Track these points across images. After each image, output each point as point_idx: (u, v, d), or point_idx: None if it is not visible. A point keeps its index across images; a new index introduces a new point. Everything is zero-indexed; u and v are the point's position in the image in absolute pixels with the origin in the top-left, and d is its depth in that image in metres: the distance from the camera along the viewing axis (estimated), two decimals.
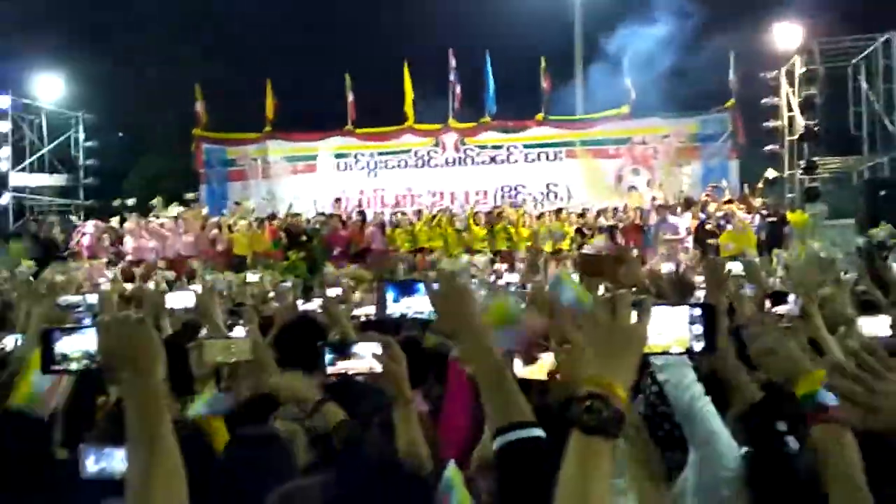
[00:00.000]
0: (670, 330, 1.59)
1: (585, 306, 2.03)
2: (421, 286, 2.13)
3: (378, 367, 2.49)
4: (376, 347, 2.51)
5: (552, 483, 1.27)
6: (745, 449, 2.31)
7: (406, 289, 2.25)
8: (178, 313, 4.74)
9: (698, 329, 1.59)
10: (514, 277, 8.46)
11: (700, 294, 3.67)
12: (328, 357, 2.66)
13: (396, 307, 2.26)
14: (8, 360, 3.25)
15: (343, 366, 2.64)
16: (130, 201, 15.34)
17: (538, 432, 1.64)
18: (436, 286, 1.86)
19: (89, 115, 19.04)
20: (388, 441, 2.21)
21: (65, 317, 3.59)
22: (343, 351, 2.67)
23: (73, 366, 2.14)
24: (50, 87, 18.98)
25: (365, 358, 2.60)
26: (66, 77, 19.18)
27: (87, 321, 4.01)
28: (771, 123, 15.97)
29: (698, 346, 1.60)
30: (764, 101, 16.04)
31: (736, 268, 4.60)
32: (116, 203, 15.51)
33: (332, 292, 5.83)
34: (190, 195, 15.52)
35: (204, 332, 3.65)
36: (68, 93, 19.22)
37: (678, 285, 3.14)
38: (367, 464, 1.65)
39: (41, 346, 2.08)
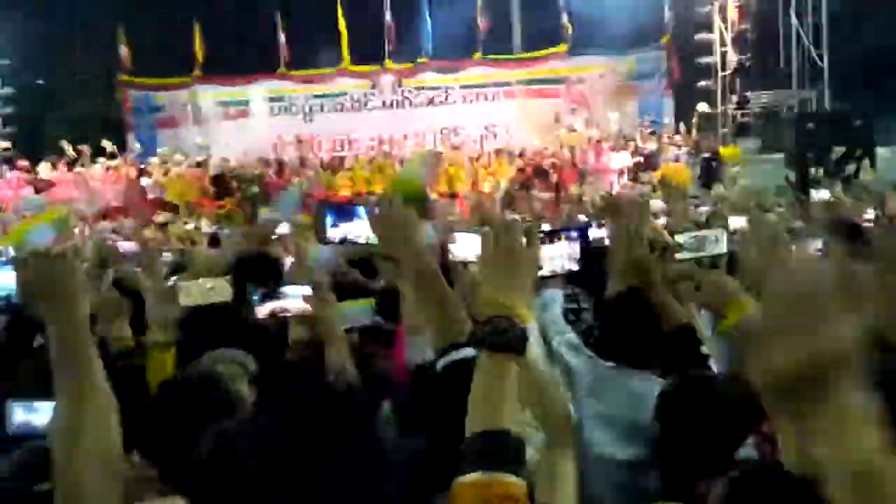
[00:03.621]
0: (557, 252, 1.72)
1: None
2: (360, 210, 2.11)
3: (308, 308, 2.48)
4: (306, 289, 2.49)
5: None
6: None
7: (344, 213, 2.21)
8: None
9: (574, 250, 1.71)
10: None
11: None
12: (257, 297, 2.64)
13: (335, 232, 2.21)
14: None
15: (273, 306, 2.62)
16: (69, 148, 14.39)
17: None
18: (376, 210, 1.85)
19: (4, 61, 17.99)
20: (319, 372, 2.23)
21: None
22: (273, 292, 2.64)
23: None
24: None
25: (296, 299, 2.58)
26: None
27: None
28: (704, 59, 16.13)
29: (573, 266, 1.72)
30: (697, 36, 16.15)
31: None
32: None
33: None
34: (107, 143, 14.73)
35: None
36: None
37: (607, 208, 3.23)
38: (299, 390, 1.64)
39: None
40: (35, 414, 2.31)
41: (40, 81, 19.57)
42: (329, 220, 2.27)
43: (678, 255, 2.76)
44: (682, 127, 14.76)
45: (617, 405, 2.41)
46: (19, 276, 1.59)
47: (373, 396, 2.10)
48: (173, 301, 2.63)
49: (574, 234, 1.73)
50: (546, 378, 1.92)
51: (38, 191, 13.92)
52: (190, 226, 8.58)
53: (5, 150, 16.70)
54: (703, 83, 16.10)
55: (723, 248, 2.82)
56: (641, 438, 2.24)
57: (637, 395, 2.33)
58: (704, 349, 2.53)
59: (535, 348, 1.97)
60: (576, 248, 1.70)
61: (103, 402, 1.44)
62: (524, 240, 1.46)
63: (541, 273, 1.65)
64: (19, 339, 3.13)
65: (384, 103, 16.67)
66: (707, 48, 16.11)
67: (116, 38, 16.39)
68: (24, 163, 14.38)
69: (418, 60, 16.64)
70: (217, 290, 2.72)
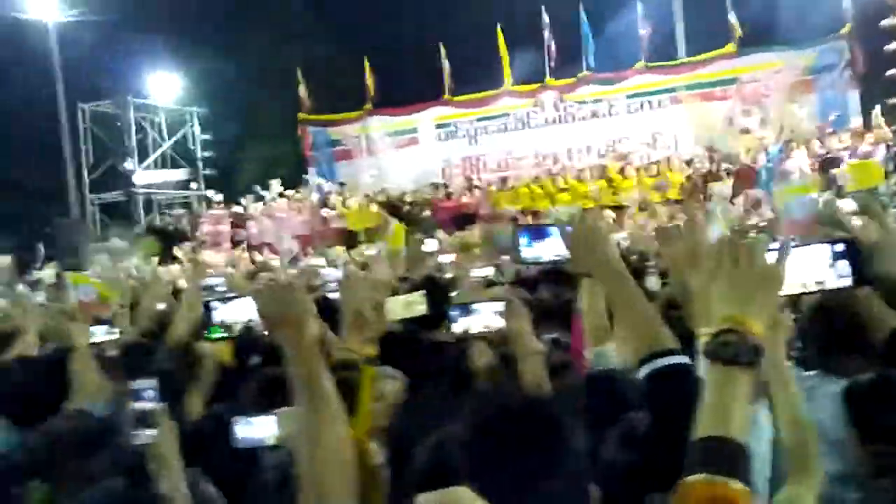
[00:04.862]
0: (814, 268, 1.64)
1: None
2: (552, 230, 2.22)
3: (500, 324, 2.61)
4: (499, 306, 2.64)
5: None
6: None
7: (538, 234, 2.33)
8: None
9: (844, 265, 1.63)
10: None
11: None
12: (453, 315, 2.82)
13: (530, 252, 2.35)
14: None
15: (466, 323, 2.79)
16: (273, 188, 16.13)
17: (683, 359, 1.73)
18: (568, 229, 1.95)
19: (203, 110, 20.12)
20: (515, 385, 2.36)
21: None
22: (466, 310, 2.81)
23: (231, 331, 2.43)
24: (166, 87, 20.20)
25: (487, 315, 2.73)
26: (181, 75, 20.29)
27: None
28: (892, 46, 14.81)
29: (845, 282, 1.63)
30: (883, 22, 14.87)
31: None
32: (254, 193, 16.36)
33: (446, 258, 6.06)
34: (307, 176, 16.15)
35: None
36: (183, 90, 20.38)
37: None
38: (503, 403, 1.75)
39: (203, 316, 2.34)
40: (253, 428, 2.57)
41: (233, 125, 21.59)
42: (524, 241, 2.41)
43: None
44: (871, 121, 13.64)
45: (821, 414, 2.33)
46: (259, 303, 1.74)
47: (566, 407, 2.20)
48: (378, 317, 2.84)
49: (835, 245, 1.65)
50: (786, 402, 1.90)
51: (234, 225, 15.33)
52: (370, 251, 9.09)
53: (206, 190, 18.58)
54: (891, 72, 14.79)
55: None
56: (847, 449, 2.17)
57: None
58: None
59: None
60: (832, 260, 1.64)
61: (335, 410, 1.64)
62: (766, 256, 1.40)
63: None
64: (241, 362, 3.53)
65: (547, 120, 16.74)
66: (894, 33, 14.79)
67: (295, 81, 17.68)
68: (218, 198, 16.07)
69: (580, 74, 16.58)
70: (416, 304, 2.95)
